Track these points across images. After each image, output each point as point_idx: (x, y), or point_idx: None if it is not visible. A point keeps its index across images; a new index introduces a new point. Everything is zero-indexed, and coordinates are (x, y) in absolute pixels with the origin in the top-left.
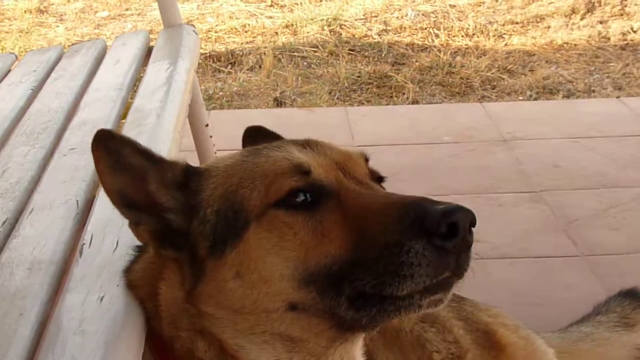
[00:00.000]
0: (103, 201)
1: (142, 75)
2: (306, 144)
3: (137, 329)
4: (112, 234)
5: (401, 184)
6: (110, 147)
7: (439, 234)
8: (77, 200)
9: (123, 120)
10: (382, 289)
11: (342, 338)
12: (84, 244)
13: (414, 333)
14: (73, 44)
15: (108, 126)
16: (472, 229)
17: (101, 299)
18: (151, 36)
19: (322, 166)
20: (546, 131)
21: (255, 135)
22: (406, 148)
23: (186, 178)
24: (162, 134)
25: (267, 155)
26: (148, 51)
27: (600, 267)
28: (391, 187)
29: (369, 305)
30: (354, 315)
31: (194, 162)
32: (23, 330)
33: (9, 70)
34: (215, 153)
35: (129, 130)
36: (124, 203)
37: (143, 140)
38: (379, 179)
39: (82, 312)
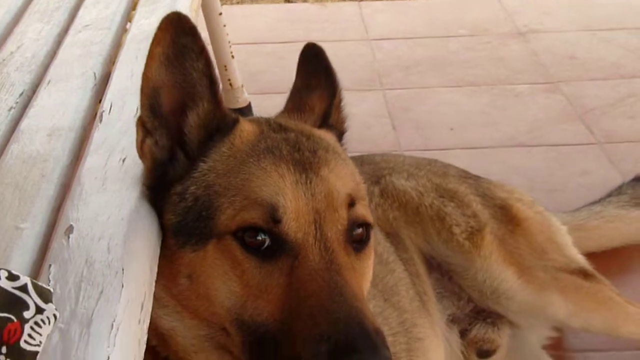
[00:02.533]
0: (121, 72)
1: None
2: (309, 166)
3: None
4: (132, 102)
5: (416, 76)
6: (181, 41)
7: None
8: (95, 73)
9: None
10: None
11: None
12: (103, 111)
13: (434, 207)
14: None
15: (122, 2)
16: None
17: (123, 160)
18: None
19: (298, 216)
20: (563, 23)
21: (311, 60)
22: (421, 41)
23: (216, 132)
24: (179, 8)
25: (264, 169)
26: None
27: (617, 153)
28: (408, 80)
29: None
30: None
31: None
32: (46, 190)
33: None
34: (230, 45)
35: (144, 6)
36: (150, 101)
37: (157, 17)
38: (364, 226)
39: (105, 173)
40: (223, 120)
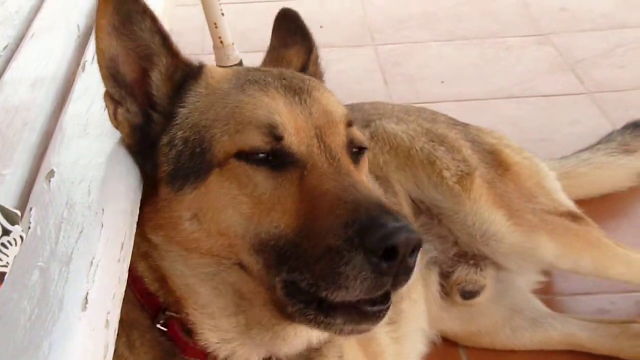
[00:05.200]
0: None
1: None
2: (299, 90)
3: None
4: None
5: (407, 31)
6: (123, 8)
7: (378, 253)
8: (78, 25)
9: None
10: (316, 290)
11: (283, 320)
12: (86, 61)
13: (424, 151)
14: None
15: None
16: (416, 252)
17: (105, 108)
18: None
19: (298, 131)
20: None
21: (287, 22)
22: None
23: (184, 81)
24: None
25: (252, 95)
26: None
27: (607, 102)
28: (400, 35)
29: (298, 298)
30: (284, 300)
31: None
32: (28, 138)
33: None
34: (220, 3)
35: None
36: (111, 72)
37: None
38: (360, 149)
39: (87, 119)
40: (188, 69)
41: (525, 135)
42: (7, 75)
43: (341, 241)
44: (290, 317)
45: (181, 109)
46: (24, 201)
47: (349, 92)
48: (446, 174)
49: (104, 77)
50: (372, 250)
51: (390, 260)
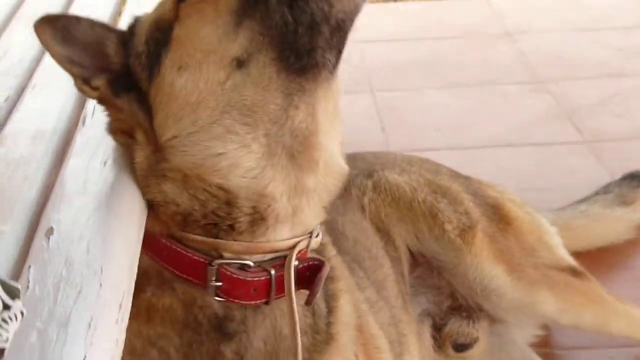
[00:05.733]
0: None
1: None
2: None
3: None
4: None
5: (405, 78)
6: (58, 25)
7: None
8: None
9: None
10: None
11: (297, 86)
12: (86, 114)
13: (427, 203)
14: None
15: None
16: None
17: (104, 163)
18: None
19: None
20: (550, 23)
21: None
22: (410, 43)
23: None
24: None
25: None
26: None
27: (605, 152)
28: (396, 81)
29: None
30: (287, 18)
31: None
32: (28, 192)
33: None
34: None
35: (129, 16)
36: (72, 64)
37: None
38: None
39: (86, 174)
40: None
41: (521, 184)
42: (9, 127)
43: None
44: (304, 55)
45: (135, 38)
46: (22, 258)
47: (348, 139)
48: (448, 227)
49: (70, 72)
50: None
51: None
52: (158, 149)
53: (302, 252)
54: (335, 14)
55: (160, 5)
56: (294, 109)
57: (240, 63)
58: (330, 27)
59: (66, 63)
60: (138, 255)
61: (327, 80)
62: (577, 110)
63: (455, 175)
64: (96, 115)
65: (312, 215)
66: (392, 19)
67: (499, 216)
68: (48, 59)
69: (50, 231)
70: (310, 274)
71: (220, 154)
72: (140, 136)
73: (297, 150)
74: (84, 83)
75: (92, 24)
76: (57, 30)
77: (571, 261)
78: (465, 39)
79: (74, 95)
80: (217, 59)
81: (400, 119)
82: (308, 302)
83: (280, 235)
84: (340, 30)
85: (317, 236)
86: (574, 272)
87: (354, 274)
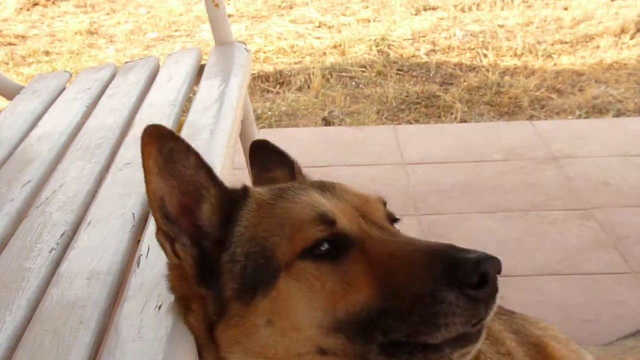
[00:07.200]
0: None
1: (194, 92)
2: (324, 188)
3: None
4: None
5: (450, 201)
6: (166, 148)
7: (472, 284)
8: (133, 213)
9: None
10: (416, 337)
11: None
12: (141, 255)
13: None
14: (126, 62)
15: None
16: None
17: (159, 308)
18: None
19: (344, 214)
20: (596, 149)
21: (261, 150)
22: (455, 166)
23: (234, 204)
24: (216, 148)
25: (293, 200)
26: (200, 68)
27: None
28: (441, 204)
29: (401, 352)
30: None
31: (246, 180)
32: (83, 337)
33: (64, 88)
34: None
35: None
36: (163, 211)
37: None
38: (393, 221)
39: (141, 320)
40: (235, 193)
41: (568, 315)
42: (64, 266)
43: (430, 284)
44: None
45: (236, 228)
46: None
47: None
48: None
49: (157, 217)
50: (465, 281)
51: (482, 287)
52: (212, 338)
53: None
54: None
55: (276, 228)
56: None
57: (323, 351)
58: None
59: (158, 207)
60: None
61: None
62: (623, 239)
63: (498, 311)
64: (150, 255)
65: None
66: (437, 140)
67: (542, 356)
68: (103, 192)
69: None
70: None
71: None
72: (196, 307)
73: None
74: (165, 238)
75: (200, 164)
76: (161, 155)
77: None
78: (510, 161)
79: (128, 232)
80: (302, 339)
81: None
82: None
83: None
84: None
85: None
86: None
87: None
